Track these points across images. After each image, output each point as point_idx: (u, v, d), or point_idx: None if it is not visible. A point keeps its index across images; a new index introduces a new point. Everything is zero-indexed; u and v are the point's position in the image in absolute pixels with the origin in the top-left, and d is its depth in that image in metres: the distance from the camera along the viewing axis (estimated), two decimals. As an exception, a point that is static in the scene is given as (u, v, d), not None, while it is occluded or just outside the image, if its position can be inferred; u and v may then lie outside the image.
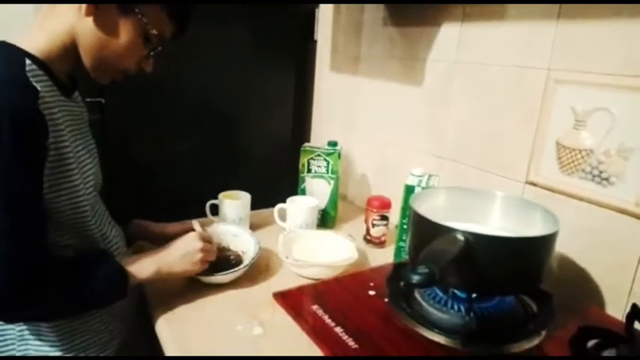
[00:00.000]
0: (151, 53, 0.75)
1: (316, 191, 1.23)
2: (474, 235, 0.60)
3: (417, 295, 0.73)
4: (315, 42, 1.57)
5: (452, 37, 1.07)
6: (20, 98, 0.62)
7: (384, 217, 1.12)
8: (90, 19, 0.68)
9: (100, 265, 0.71)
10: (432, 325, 0.67)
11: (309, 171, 1.23)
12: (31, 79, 0.64)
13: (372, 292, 0.76)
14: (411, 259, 0.73)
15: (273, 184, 1.54)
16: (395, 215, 1.14)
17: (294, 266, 0.96)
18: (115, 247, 0.82)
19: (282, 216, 1.18)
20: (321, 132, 1.59)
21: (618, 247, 0.79)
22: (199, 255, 0.83)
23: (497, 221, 0.77)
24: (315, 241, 1.06)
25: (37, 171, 0.64)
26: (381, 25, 1.29)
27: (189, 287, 0.87)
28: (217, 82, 1.42)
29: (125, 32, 0.70)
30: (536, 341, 0.65)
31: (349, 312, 0.71)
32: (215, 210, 1.16)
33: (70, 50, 0.70)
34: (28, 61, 0.65)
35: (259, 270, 0.97)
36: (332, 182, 1.22)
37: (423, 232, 0.68)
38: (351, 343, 0.63)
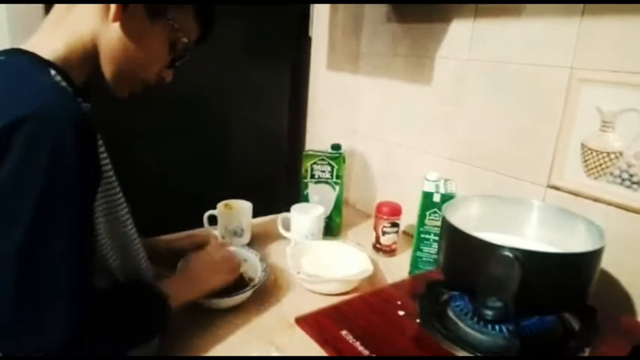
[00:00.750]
0: (176, 63, 0.69)
1: (320, 198, 1.17)
2: (522, 252, 0.55)
3: (451, 314, 0.68)
4: (309, 39, 1.50)
5: (463, 34, 1.02)
6: (77, 106, 0.55)
7: (395, 224, 1.07)
8: (116, 25, 0.61)
9: (144, 296, 0.65)
10: (473, 347, 0.62)
11: (312, 176, 1.16)
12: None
13: (401, 312, 0.71)
14: (445, 274, 0.68)
15: (270, 189, 1.48)
16: (405, 222, 1.09)
17: (306, 282, 0.90)
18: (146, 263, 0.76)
19: (286, 225, 1.12)
20: (317, 133, 1.52)
21: (651, 253, 0.75)
22: (229, 262, 0.80)
23: (534, 232, 0.73)
24: (325, 253, 1.01)
25: (95, 189, 0.58)
26: (383, 22, 1.23)
27: (194, 315, 0.80)
28: (208, 81, 1.34)
29: (154, 39, 0.64)
30: (582, 361, 0.60)
31: (381, 336, 0.65)
32: (213, 220, 1.09)
33: (90, 58, 0.63)
34: (52, 72, 0.57)
35: (268, 288, 0.91)
36: (337, 188, 1.16)
37: (462, 248, 0.63)
38: (389, 372, 0.58)
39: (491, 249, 0.57)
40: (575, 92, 0.83)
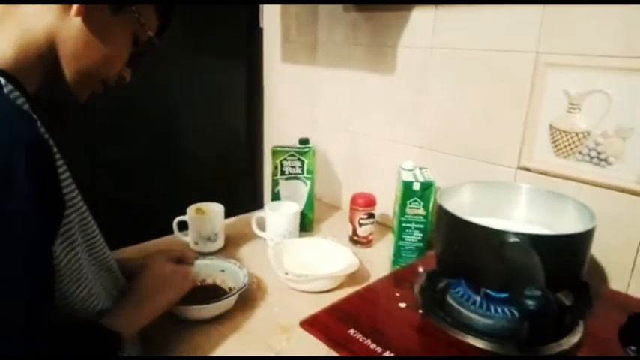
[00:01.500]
0: (138, 58, 0.62)
1: (292, 194, 1.14)
2: (527, 236, 0.57)
3: (451, 301, 0.69)
4: (261, 30, 1.46)
5: (425, 23, 1.03)
6: (32, 129, 0.47)
7: (371, 215, 1.07)
8: (78, 20, 0.54)
9: (91, 334, 0.58)
10: (479, 332, 0.64)
11: (282, 173, 1.13)
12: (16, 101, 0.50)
13: (402, 305, 0.71)
14: (444, 262, 0.69)
15: (230, 188, 1.43)
16: (377, 212, 1.09)
17: (293, 282, 0.88)
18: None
19: (261, 225, 1.08)
20: (276, 128, 1.49)
21: (620, 225, 0.81)
22: (178, 272, 0.75)
23: (523, 215, 0.75)
24: (305, 250, 0.99)
25: (58, 224, 0.51)
26: (340, 11, 1.21)
27: (177, 329, 0.75)
28: (159, 79, 1.26)
29: (118, 33, 0.58)
30: (579, 333, 0.63)
31: (389, 331, 0.65)
32: (182, 226, 1.03)
33: (44, 61, 0.55)
34: (2, 80, 0.49)
35: (252, 292, 0.88)
36: (308, 183, 1.14)
37: (463, 235, 0.63)
38: (407, 368, 0.57)
39: (496, 234, 0.58)
40: (542, 76, 0.86)
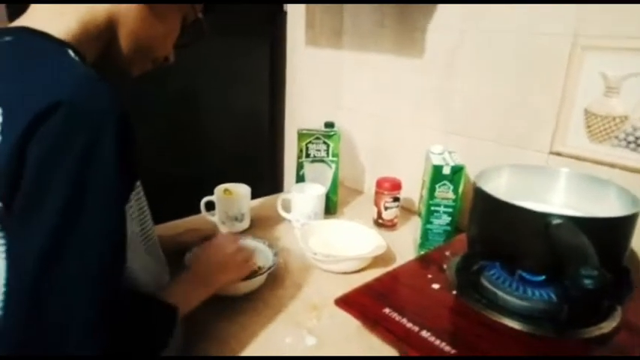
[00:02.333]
0: (185, 40, 0.66)
1: (317, 177, 1.14)
2: (573, 219, 0.56)
3: (486, 283, 0.69)
4: (285, 14, 1.44)
5: (456, 5, 1.01)
6: (117, 98, 0.48)
7: (397, 199, 1.07)
8: None
9: (151, 308, 0.58)
10: (515, 314, 0.63)
11: (307, 156, 1.13)
12: None
13: (435, 286, 0.71)
14: (480, 244, 0.68)
15: (251, 170, 1.43)
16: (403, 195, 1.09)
17: (322, 263, 0.88)
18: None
19: (286, 207, 1.08)
20: (298, 112, 1.48)
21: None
22: (241, 254, 0.75)
23: (561, 199, 0.74)
24: (332, 232, 0.99)
25: (129, 195, 0.52)
26: (367, -4, 1.20)
27: (209, 303, 0.76)
28: (179, 60, 1.25)
29: (172, 13, 0.61)
30: (617, 318, 0.63)
31: (423, 311, 0.65)
32: (208, 206, 1.04)
33: (102, 36, 0.56)
34: (71, 53, 0.50)
35: (280, 272, 0.88)
36: (333, 166, 1.14)
37: (503, 218, 0.63)
38: (446, 347, 0.57)
39: (541, 217, 0.57)
40: (579, 59, 0.85)
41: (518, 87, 0.94)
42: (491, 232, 0.65)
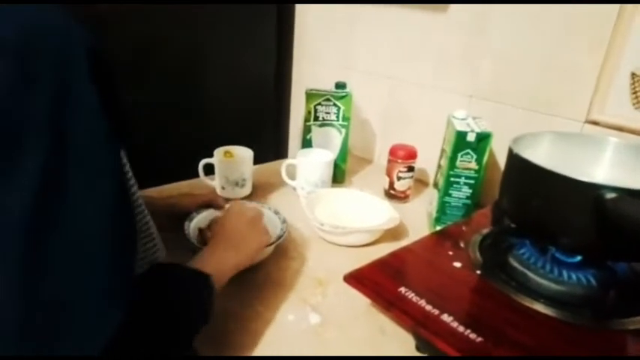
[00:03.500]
0: None
1: (325, 142, 1.05)
2: (628, 191, 0.48)
3: (515, 263, 0.61)
4: (294, -36, 1.32)
5: (489, -48, 0.90)
6: (82, 31, 0.39)
7: (411, 169, 0.98)
8: None
9: (187, 280, 0.51)
10: (549, 299, 0.56)
11: (316, 119, 1.04)
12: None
13: (457, 264, 0.63)
14: (513, 218, 0.60)
15: (254, 135, 1.33)
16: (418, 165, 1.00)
17: (329, 234, 0.81)
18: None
19: (291, 173, 1.00)
20: (307, 74, 1.38)
21: None
22: (261, 220, 0.69)
23: (606, 173, 0.65)
24: (339, 201, 0.91)
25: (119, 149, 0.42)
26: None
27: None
28: (180, 18, 1.15)
29: None
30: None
31: (444, 292, 0.57)
32: (207, 169, 0.96)
33: None
34: None
35: (285, 244, 0.80)
36: (343, 131, 1.05)
37: (545, 189, 0.54)
38: (471, 335, 0.50)
39: (591, 189, 0.49)
40: (629, 18, 0.74)
41: (555, 48, 0.84)
42: (528, 205, 0.57)
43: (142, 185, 0.92)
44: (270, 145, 1.45)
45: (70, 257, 0.35)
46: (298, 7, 1.34)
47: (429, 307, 0.54)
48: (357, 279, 0.58)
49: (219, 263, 0.57)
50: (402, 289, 0.57)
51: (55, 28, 0.37)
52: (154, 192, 0.94)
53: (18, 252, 0.33)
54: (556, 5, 0.82)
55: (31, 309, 0.33)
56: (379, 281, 0.58)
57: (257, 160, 1.12)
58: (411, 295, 0.56)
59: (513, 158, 0.58)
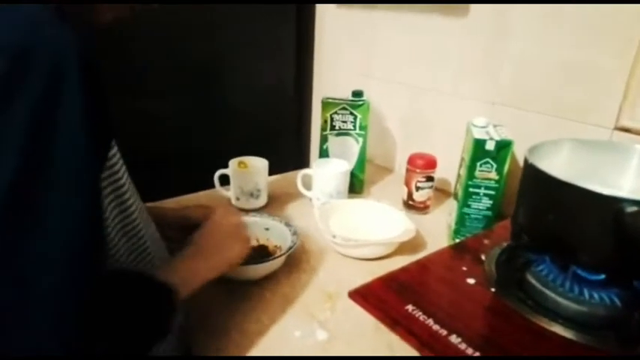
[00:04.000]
0: None
1: (342, 152, 1.04)
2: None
3: (533, 280, 0.57)
4: (314, -27, 1.32)
5: (510, -47, 0.87)
6: (78, 42, 0.39)
7: (430, 178, 0.95)
8: None
9: (147, 291, 0.50)
10: (568, 320, 0.52)
11: (332, 128, 1.03)
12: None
13: (470, 281, 0.60)
14: (529, 233, 0.57)
15: (274, 144, 1.33)
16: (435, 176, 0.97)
17: (341, 246, 0.79)
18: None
19: (307, 183, 0.99)
20: (327, 81, 1.37)
21: None
22: (242, 229, 0.66)
23: (632, 184, 0.61)
24: (354, 213, 0.89)
25: (105, 155, 0.44)
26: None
27: (218, 288, 0.68)
28: (199, 25, 1.16)
29: None
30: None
31: (455, 311, 0.54)
32: (224, 180, 0.96)
33: None
34: None
35: (296, 254, 0.79)
36: (360, 140, 1.03)
37: (562, 202, 0.51)
38: (480, 358, 0.47)
39: (611, 202, 0.45)
40: (660, 14, 0.70)
41: (581, 50, 0.80)
42: (544, 218, 0.53)
43: (161, 195, 0.95)
44: (291, 154, 1.44)
45: (32, 265, 0.36)
46: (318, 13, 1.33)
47: (436, 327, 0.51)
48: (362, 295, 0.56)
49: (188, 272, 0.55)
50: (410, 307, 0.54)
51: (48, 37, 0.37)
52: (172, 202, 0.95)
53: None
54: (581, 5, 0.78)
55: None
56: (385, 298, 0.55)
57: (277, 170, 1.11)
58: (419, 314, 0.53)
59: (528, 168, 0.55)
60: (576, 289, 0.54)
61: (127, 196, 0.49)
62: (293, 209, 0.98)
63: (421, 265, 0.63)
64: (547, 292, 0.55)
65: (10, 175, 0.35)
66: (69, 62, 0.37)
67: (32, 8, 0.39)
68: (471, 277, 0.61)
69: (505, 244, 0.68)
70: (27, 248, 0.36)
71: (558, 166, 0.55)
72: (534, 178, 0.54)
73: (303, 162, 1.45)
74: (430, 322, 0.52)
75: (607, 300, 0.53)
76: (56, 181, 0.37)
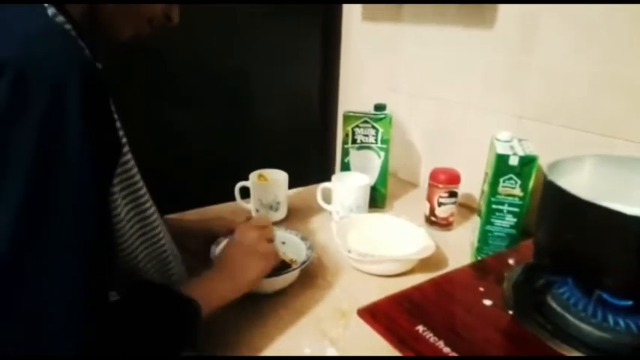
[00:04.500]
0: None
1: (363, 165, 1.02)
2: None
3: (553, 304, 0.54)
4: (341, -14, 1.33)
5: (537, -36, 0.84)
6: (81, 56, 0.41)
7: (453, 194, 0.92)
8: None
9: (170, 305, 0.51)
10: (590, 347, 0.49)
11: (354, 141, 1.02)
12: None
13: (487, 302, 0.57)
14: (550, 254, 0.54)
15: (299, 157, 1.34)
16: (460, 191, 0.94)
17: (357, 262, 0.77)
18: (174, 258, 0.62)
19: (327, 197, 0.98)
20: (353, 93, 1.36)
21: None
22: (264, 244, 0.66)
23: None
24: (373, 228, 0.87)
25: (114, 163, 0.45)
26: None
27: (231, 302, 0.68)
28: (225, 37, 1.18)
29: None
30: None
31: (468, 334, 0.52)
32: (245, 192, 0.96)
33: None
34: (47, 5, 0.43)
35: (312, 268, 0.78)
36: (382, 154, 1.02)
37: (583, 222, 0.48)
38: (491, 385, 0.44)
39: (636, 223, 0.42)
40: (697, 24, 0.66)
41: (613, 62, 0.76)
42: (565, 239, 0.50)
43: (184, 206, 0.96)
44: (315, 167, 1.44)
45: (46, 275, 0.37)
46: (344, 27, 1.34)
47: (447, 350, 0.49)
48: (371, 313, 0.54)
49: (207, 292, 0.56)
50: (420, 328, 0.52)
51: (53, 53, 0.39)
52: (193, 214, 0.96)
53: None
54: (611, 15, 0.75)
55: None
56: (394, 317, 0.54)
57: (301, 183, 1.11)
58: (429, 335, 0.51)
59: (547, 185, 0.52)
60: (600, 315, 0.51)
61: (144, 199, 0.50)
62: (313, 223, 0.97)
63: (436, 284, 0.61)
64: (568, 316, 0.52)
65: (21, 192, 0.36)
66: (68, 77, 0.38)
67: (40, 18, 0.41)
68: (488, 298, 0.58)
69: (526, 265, 0.65)
70: (36, 269, 0.37)
71: (580, 183, 0.52)
72: (554, 196, 0.51)
73: (327, 175, 1.43)
74: (440, 344, 0.50)
75: (633, 327, 0.49)
76: (62, 196, 0.38)
